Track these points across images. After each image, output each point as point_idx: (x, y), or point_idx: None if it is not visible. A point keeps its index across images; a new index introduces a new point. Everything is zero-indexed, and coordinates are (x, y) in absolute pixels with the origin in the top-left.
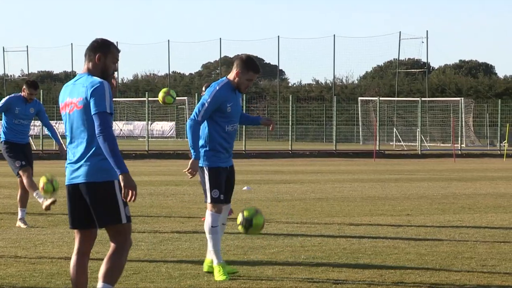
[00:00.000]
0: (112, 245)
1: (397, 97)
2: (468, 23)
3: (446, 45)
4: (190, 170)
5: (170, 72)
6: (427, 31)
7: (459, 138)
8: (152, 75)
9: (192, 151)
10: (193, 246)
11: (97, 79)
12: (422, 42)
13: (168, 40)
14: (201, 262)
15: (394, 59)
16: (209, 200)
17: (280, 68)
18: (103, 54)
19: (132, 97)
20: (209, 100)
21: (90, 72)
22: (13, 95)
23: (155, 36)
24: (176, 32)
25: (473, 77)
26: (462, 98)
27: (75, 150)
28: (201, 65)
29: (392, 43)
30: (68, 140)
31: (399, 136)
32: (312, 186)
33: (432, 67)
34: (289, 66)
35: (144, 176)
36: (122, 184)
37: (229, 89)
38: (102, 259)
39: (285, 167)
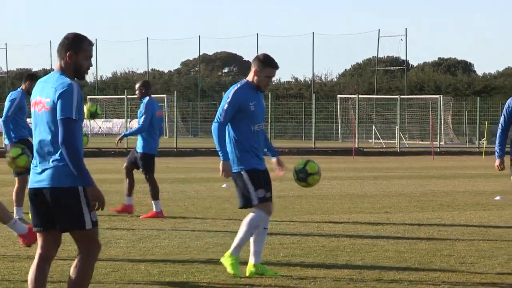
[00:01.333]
0: (79, 250)
1: (376, 94)
2: (447, 20)
3: (425, 42)
4: (224, 173)
5: (149, 70)
6: (406, 28)
7: (438, 136)
8: (131, 72)
9: (220, 153)
10: (172, 244)
11: (67, 81)
12: (401, 39)
13: (147, 38)
14: (180, 260)
15: (373, 56)
16: (256, 201)
17: None
18: (74, 51)
19: (111, 95)
20: (228, 100)
21: (63, 70)
22: (16, 92)
23: (134, 33)
24: (155, 29)
25: (452, 75)
26: (441, 96)
27: (39, 152)
28: (180, 63)
29: (371, 40)
30: (33, 141)
31: (378, 134)
32: (291, 184)
33: (411, 64)
34: None
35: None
36: (90, 195)
37: (249, 89)
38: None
39: None
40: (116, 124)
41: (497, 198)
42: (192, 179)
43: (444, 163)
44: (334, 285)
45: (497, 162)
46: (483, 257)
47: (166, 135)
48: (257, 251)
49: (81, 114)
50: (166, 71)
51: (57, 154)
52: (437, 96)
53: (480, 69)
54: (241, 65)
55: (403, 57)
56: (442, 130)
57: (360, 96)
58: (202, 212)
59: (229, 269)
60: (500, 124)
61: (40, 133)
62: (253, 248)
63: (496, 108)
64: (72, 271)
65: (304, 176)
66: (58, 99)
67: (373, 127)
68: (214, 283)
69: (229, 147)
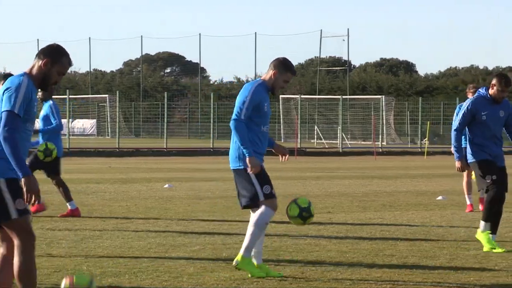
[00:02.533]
0: (13, 242)
1: (318, 95)
2: (389, 21)
3: (367, 43)
4: (253, 169)
5: (91, 70)
6: (348, 29)
7: (380, 136)
8: (73, 72)
9: (245, 150)
10: (114, 244)
11: (18, 79)
12: (343, 40)
13: (89, 38)
14: (122, 260)
15: (315, 57)
16: (262, 197)
17: (201, 65)
18: (51, 61)
19: (53, 95)
20: (249, 97)
21: (31, 73)
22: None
23: (76, 33)
24: (97, 29)
25: (394, 75)
26: (383, 96)
27: None
28: (122, 63)
29: (313, 41)
30: None
31: (320, 134)
32: (234, 184)
33: (353, 65)
34: (210, 64)
35: (65, 174)
36: (24, 187)
37: (264, 89)
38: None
39: (207, 164)
40: None
41: (439, 198)
42: (134, 179)
43: (386, 163)
44: (276, 285)
45: (459, 164)
46: (425, 257)
47: (108, 135)
48: (258, 251)
49: (29, 115)
50: (108, 71)
51: None
52: (379, 96)
53: (422, 70)
54: (183, 65)
55: (345, 58)
56: (384, 130)
57: (302, 96)
58: (144, 212)
59: (253, 273)
60: (458, 125)
61: None
62: (254, 249)
63: (438, 108)
64: (14, 267)
65: (307, 216)
66: (3, 93)
67: (316, 127)
68: (156, 283)
69: (235, 144)
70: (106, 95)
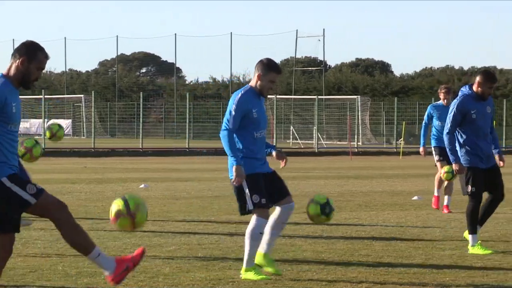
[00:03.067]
0: (53, 223)
1: (294, 95)
2: (364, 21)
3: (343, 43)
4: (237, 179)
5: (67, 70)
6: (323, 29)
7: (356, 136)
8: (48, 72)
9: (233, 159)
10: None
11: None
12: (319, 40)
13: (65, 38)
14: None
15: (291, 57)
16: (251, 206)
17: (177, 65)
18: (27, 58)
19: (28, 95)
20: (234, 107)
21: (9, 74)
22: None
23: (51, 33)
24: (73, 29)
25: (369, 75)
26: (359, 96)
27: None
28: (97, 63)
29: (289, 41)
30: None
31: (296, 134)
32: (209, 184)
33: (329, 65)
34: (186, 64)
35: (40, 174)
36: None
37: (252, 95)
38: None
39: (182, 165)
40: (33, 124)
41: (415, 198)
42: (110, 180)
43: (362, 163)
44: (252, 285)
45: (456, 166)
46: (401, 257)
47: (83, 136)
48: (270, 243)
49: (5, 117)
50: (83, 71)
51: None
52: (355, 96)
53: (398, 70)
54: (159, 65)
55: (321, 58)
56: (360, 130)
57: (278, 96)
58: None
59: (258, 278)
60: (449, 128)
61: None
62: (267, 237)
63: (414, 108)
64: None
65: (329, 210)
66: None
67: (291, 127)
68: (132, 284)
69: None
70: (82, 95)
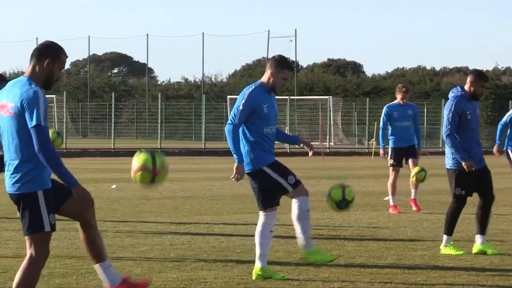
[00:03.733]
0: (30, 253)
1: None
2: (336, 21)
3: (315, 43)
4: (236, 176)
5: None
6: (295, 29)
7: (328, 136)
8: (20, 73)
9: (235, 155)
10: (61, 245)
11: (32, 89)
12: (291, 40)
13: (36, 38)
14: (69, 261)
15: (263, 57)
16: (290, 188)
17: (149, 66)
18: (52, 59)
19: None
20: (243, 101)
21: (34, 76)
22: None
23: (22, 33)
24: (44, 29)
25: (341, 76)
26: (331, 97)
27: (7, 157)
28: (69, 63)
29: (261, 41)
30: (3, 144)
31: None
32: (182, 185)
33: (301, 65)
34: (158, 64)
35: None
36: (75, 195)
37: (263, 91)
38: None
39: None
40: None
41: (386, 198)
42: (81, 180)
43: (333, 163)
44: (224, 286)
45: (467, 164)
46: (373, 257)
47: None
48: (264, 254)
49: (46, 121)
50: None
51: (19, 160)
52: (327, 97)
53: (369, 70)
54: (130, 66)
55: (292, 58)
56: (332, 130)
57: None
58: None
59: (276, 277)
60: (450, 130)
61: (6, 136)
62: (259, 251)
63: None
64: (19, 274)
65: (345, 205)
66: (25, 107)
67: None
68: (103, 284)
69: (243, 149)
70: (53, 96)
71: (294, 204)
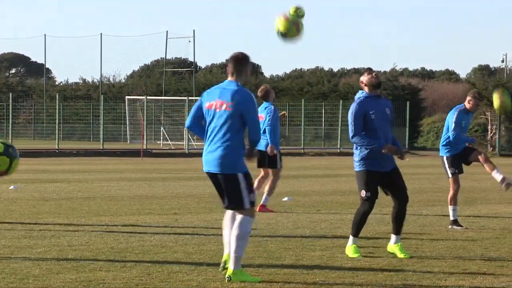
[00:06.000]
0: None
1: (164, 96)
2: (234, 22)
3: (213, 44)
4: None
5: None
6: (194, 30)
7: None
8: None
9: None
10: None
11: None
12: (189, 41)
13: None
14: (40, 261)
15: (161, 58)
16: (248, 205)
17: (47, 66)
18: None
19: None
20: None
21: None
22: None
23: None
24: None
25: None
26: None
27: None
28: None
29: (159, 42)
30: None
31: (167, 135)
32: (79, 185)
33: (199, 66)
34: (56, 65)
35: None
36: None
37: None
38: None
39: (52, 166)
40: None
41: (285, 199)
42: None
43: None
44: (123, 287)
45: (386, 148)
46: (271, 258)
47: None
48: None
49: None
50: None
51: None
52: None
53: (268, 71)
54: (28, 66)
55: (191, 59)
56: None
57: (148, 97)
58: None
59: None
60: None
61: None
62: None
63: (283, 109)
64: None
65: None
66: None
67: (162, 128)
68: (2, 285)
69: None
70: None
71: (245, 220)
